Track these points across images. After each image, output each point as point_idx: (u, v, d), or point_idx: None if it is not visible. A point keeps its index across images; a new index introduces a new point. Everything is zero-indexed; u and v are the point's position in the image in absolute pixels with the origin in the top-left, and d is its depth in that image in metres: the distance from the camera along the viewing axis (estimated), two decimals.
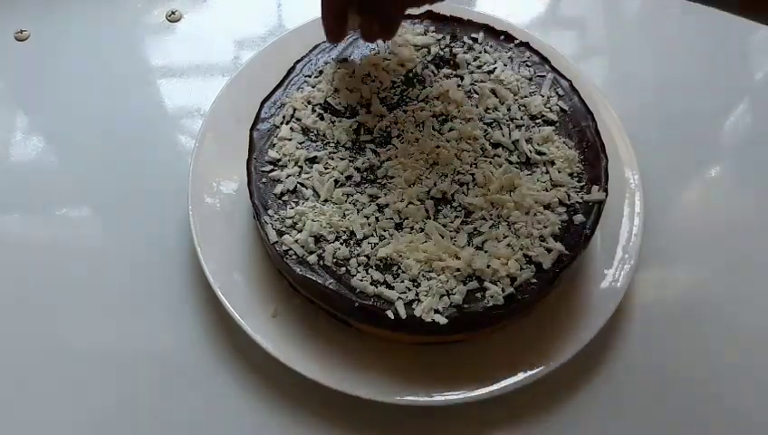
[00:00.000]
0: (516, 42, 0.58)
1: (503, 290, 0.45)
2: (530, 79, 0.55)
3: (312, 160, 0.51)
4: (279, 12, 0.71)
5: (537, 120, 0.54)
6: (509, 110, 0.54)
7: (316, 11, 0.63)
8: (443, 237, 0.47)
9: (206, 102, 0.59)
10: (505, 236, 0.48)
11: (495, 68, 0.55)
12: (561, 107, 0.54)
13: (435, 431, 0.48)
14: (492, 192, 0.49)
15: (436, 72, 0.56)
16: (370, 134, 0.52)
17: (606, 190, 0.50)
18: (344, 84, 0.54)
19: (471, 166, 0.51)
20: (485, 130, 0.52)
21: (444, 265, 0.46)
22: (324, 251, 0.47)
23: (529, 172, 0.51)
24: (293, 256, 0.47)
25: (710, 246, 0.58)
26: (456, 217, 0.49)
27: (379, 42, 0.57)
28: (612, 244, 0.53)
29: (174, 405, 0.49)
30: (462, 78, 0.55)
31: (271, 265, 0.52)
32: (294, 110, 0.53)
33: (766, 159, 0.63)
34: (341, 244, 0.47)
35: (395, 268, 0.46)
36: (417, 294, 0.45)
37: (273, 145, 0.51)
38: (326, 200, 0.49)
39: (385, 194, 0.49)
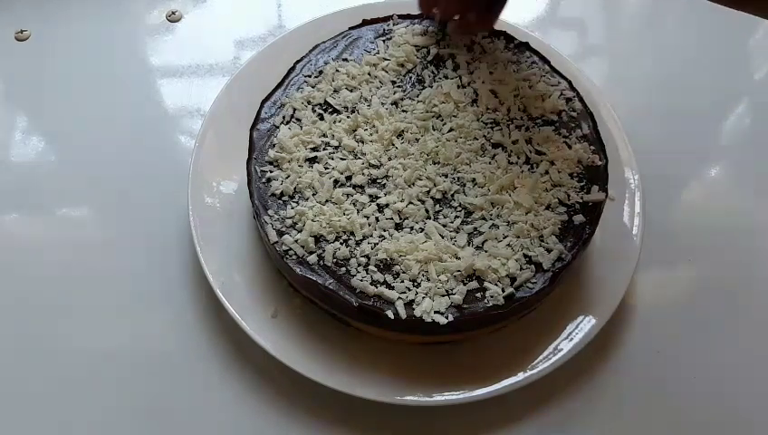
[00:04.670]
0: (516, 42, 0.58)
1: (503, 290, 0.45)
2: (530, 79, 0.55)
3: (312, 160, 0.51)
4: (279, 12, 0.71)
5: (537, 121, 0.53)
6: (509, 110, 0.54)
7: (316, 11, 0.64)
8: (443, 237, 0.47)
9: (206, 102, 0.59)
10: (505, 236, 0.48)
11: (496, 68, 0.55)
12: (560, 107, 0.54)
13: (435, 431, 0.48)
14: (492, 192, 0.49)
15: (436, 72, 0.56)
16: (370, 134, 0.52)
17: (606, 190, 0.50)
18: (344, 84, 0.54)
19: (471, 166, 0.51)
20: (485, 130, 0.53)
21: (444, 266, 0.46)
22: (324, 251, 0.47)
23: (529, 172, 0.51)
24: (293, 256, 0.47)
25: (710, 246, 0.58)
26: (456, 217, 0.49)
27: (380, 42, 0.57)
28: (612, 244, 0.53)
29: (173, 405, 0.49)
30: (462, 78, 0.55)
31: (271, 265, 0.52)
32: (294, 110, 0.53)
33: (766, 159, 0.63)
34: (341, 244, 0.47)
35: (395, 268, 0.46)
36: (417, 294, 0.45)
37: (273, 145, 0.51)
38: (326, 200, 0.49)
39: (385, 194, 0.49)
